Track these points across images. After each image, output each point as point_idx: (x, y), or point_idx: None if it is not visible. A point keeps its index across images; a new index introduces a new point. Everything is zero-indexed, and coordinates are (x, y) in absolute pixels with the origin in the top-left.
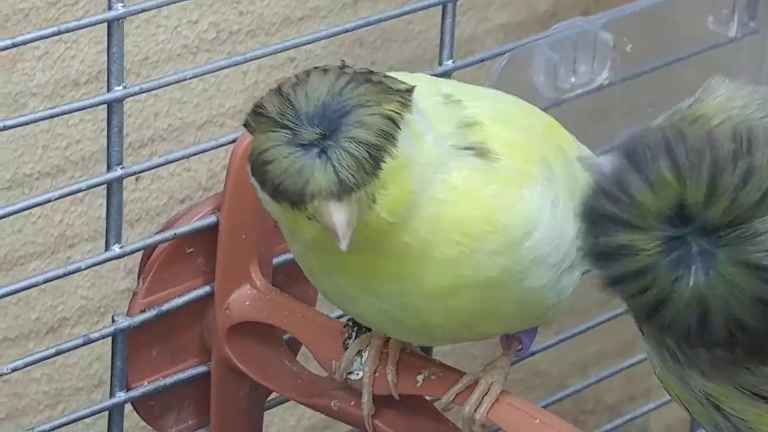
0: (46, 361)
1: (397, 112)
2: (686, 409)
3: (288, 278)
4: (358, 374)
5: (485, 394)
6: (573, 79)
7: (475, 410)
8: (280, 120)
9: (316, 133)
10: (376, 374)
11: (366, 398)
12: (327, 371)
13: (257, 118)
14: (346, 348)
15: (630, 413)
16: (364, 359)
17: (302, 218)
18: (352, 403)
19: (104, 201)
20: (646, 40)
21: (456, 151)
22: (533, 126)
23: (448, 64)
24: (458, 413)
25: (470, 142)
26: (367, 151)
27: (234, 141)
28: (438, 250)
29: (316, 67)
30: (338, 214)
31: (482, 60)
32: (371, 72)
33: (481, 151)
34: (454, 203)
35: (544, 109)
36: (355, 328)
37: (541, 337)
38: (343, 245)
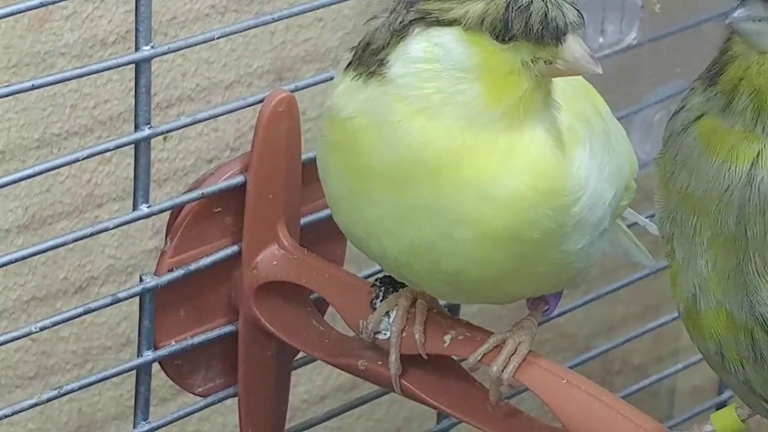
0: (74, 320)
1: None
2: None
3: (316, 238)
4: (385, 334)
5: (512, 354)
6: (601, 39)
7: (503, 370)
8: None
9: None
10: (404, 334)
11: (393, 358)
12: (354, 331)
13: None
14: (374, 308)
15: (657, 374)
16: (391, 319)
17: (521, 73)
18: (380, 362)
19: (132, 161)
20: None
21: None
22: (574, 84)
23: None
24: (486, 373)
25: None
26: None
27: (261, 101)
28: (503, 185)
29: None
30: (584, 45)
31: None
32: None
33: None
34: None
35: None
36: (383, 288)
37: (568, 298)
38: (600, 69)
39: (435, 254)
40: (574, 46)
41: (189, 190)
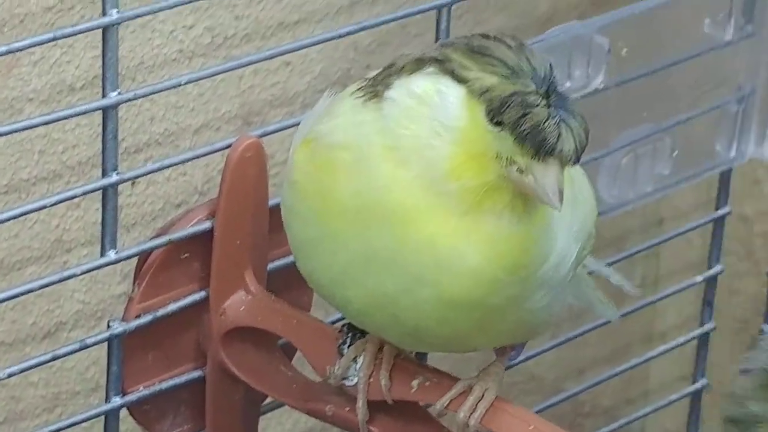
0: (43, 365)
1: None
2: None
3: (283, 284)
4: (353, 380)
5: (479, 400)
6: (568, 84)
7: (470, 416)
8: (519, 69)
9: (552, 98)
10: (371, 380)
11: (361, 403)
12: (322, 377)
13: (482, 58)
14: (341, 353)
15: (626, 417)
16: (359, 365)
17: (493, 163)
18: (347, 408)
19: (100, 206)
20: (642, 43)
21: None
22: None
23: None
24: (453, 419)
25: None
26: (586, 143)
27: (229, 146)
28: (462, 256)
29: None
30: (561, 179)
31: None
32: None
33: None
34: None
35: None
36: (350, 334)
37: (537, 341)
38: (559, 205)
39: (396, 309)
40: (550, 172)
41: (156, 236)
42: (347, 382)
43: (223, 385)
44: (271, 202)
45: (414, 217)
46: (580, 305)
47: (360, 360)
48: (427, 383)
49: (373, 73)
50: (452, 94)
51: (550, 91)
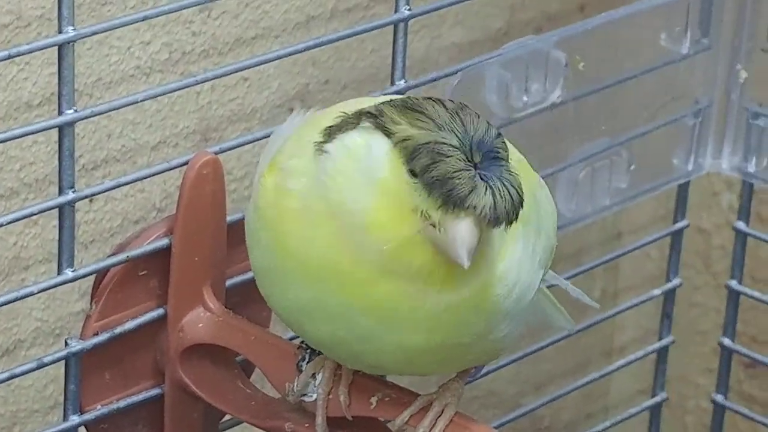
0: (1, 384)
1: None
2: None
3: (241, 300)
4: (311, 396)
5: (439, 415)
6: (525, 98)
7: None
8: (447, 126)
9: (479, 156)
10: (330, 396)
11: (320, 420)
12: (281, 393)
13: (413, 114)
14: (300, 370)
15: (587, 431)
16: (317, 381)
17: (411, 217)
18: (306, 425)
19: (57, 223)
20: (599, 57)
21: None
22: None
23: (401, 83)
24: None
25: None
26: (513, 206)
27: (186, 163)
28: (417, 308)
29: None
30: (473, 236)
31: (434, 80)
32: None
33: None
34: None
35: (498, 128)
36: (309, 350)
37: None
38: (466, 263)
39: (354, 350)
40: (461, 227)
41: (114, 253)
42: (306, 399)
43: (182, 403)
44: (230, 218)
45: (352, 277)
46: (540, 320)
47: (319, 376)
48: (387, 399)
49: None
50: (378, 147)
51: (479, 151)
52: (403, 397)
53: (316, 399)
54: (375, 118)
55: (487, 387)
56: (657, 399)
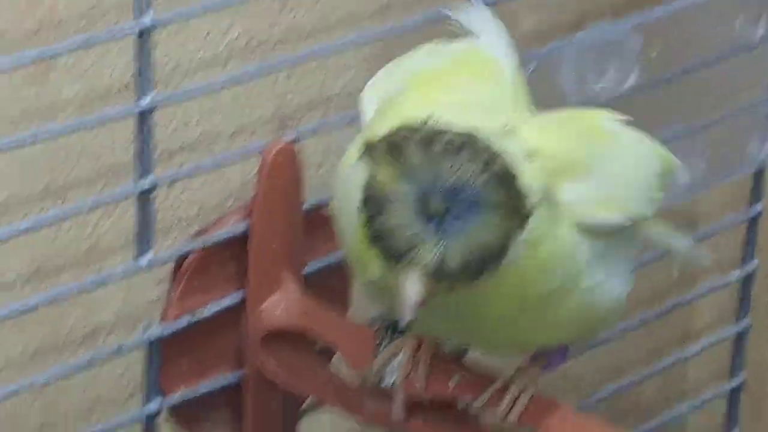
0: (81, 371)
1: (515, 232)
2: None
3: (319, 287)
4: (390, 379)
5: (517, 397)
6: (600, 85)
7: (507, 414)
8: (413, 172)
9: (443, 207)
10: (408, 379)
11: (398, 403)
12: (360, 377)
13: (392, 153)
14: (379, 353)
15: (665, 415)
16: (395, 364)
17: (375, 258)
18: (386, 408)
19: (135, 210)
20: (673, 44)
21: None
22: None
23: None
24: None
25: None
26: (477, 262)
27: (263, 150)
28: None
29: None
30: (416, 291)
31: None
32: (500, 157)
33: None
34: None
35: None
36: (388, 332)
37: None
38: (405, 319)
39: (459, 334)
40: (407, 281)
41: (192, 239)
42: (384, 382)
43: (262, 388)
44: (306, 205)
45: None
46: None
47: (397, 359)
48: (465, 381)
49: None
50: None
51: (448, 199)
52: (481, 380)
53: (394, 382)
54: (368, 150)
55: (563, 372)
56: (735, 382)
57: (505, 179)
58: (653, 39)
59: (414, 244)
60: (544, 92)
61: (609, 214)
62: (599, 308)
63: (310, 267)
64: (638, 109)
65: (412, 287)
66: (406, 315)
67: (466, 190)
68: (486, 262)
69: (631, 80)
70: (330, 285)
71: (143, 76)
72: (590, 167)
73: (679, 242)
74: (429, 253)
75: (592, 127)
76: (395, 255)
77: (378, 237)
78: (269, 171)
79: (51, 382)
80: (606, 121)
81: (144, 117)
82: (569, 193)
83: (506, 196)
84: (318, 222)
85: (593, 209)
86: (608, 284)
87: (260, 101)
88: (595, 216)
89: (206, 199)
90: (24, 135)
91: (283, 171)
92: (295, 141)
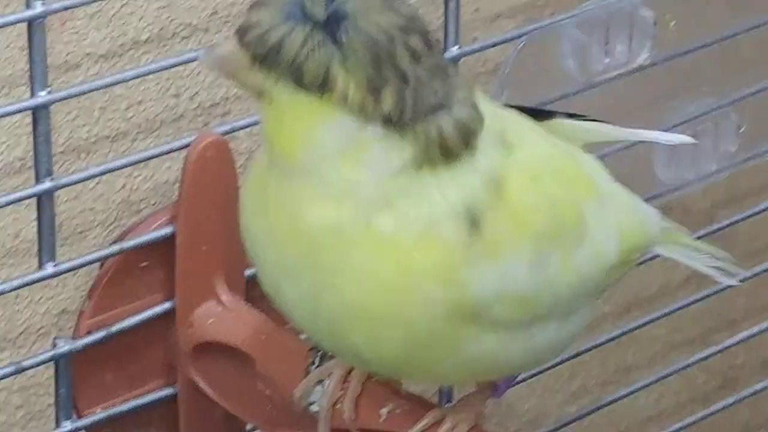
0: None
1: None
2: None
3: None
4: (317, 406)
5: None
6: (607, 60)
7: None
8: None
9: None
10: (337, 406)
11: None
12: (288, 400)
13: None
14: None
15: None
16: (324, 390)
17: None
18: None
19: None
20: (693, 13)
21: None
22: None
23: (453, 50)
24: None
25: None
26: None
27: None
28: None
29: None
30: (228, 46)
31: (495, 44)
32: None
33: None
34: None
35: (575, 94)
36: (320, 353)
37: None
38: (201, 58)
39: (317, 317)
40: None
41: (112, 243)
42: (312, 408)
43: (198, 404)
44: None
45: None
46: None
47: (325, 384)
48: (398, 410)
49: None
50: None
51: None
52: (415, 410)
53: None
54: None
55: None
56: None
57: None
58: (668, 10)
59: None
60: (536, 74)
61: (506, 314)
62: (493, 362)
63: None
64: (656, 85)
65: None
66: (203, 58)
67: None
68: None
69: (645, 54)
70: None
71: (37, 70)
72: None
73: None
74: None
75: (571, 207)
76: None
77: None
78: (194, 168)
79: None
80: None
81: (40, 113)
82: (486, 274)
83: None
84: None
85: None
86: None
87: (189, 90)
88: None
89: (129, 198)
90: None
91: (211, 167)
92: (225, 135)
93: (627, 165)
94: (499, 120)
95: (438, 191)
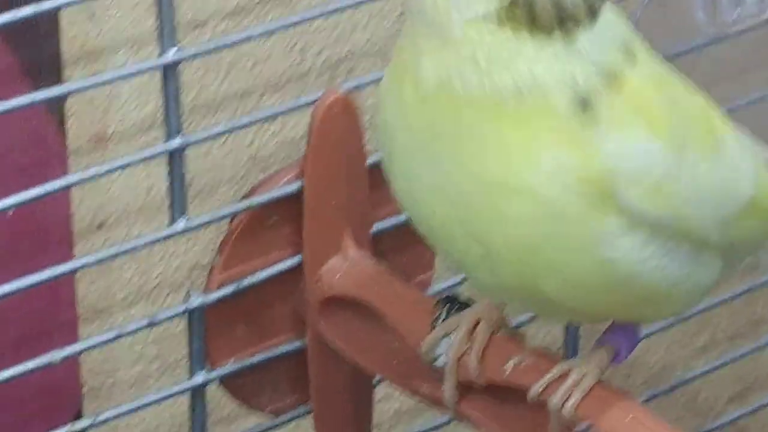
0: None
1: None
2: None
3: (397, 245)
4: (444, 360)
5: (576, 385)
6: (738, 9)
7: (563, 403)
8: None
9: None
10: (463, 359)
11: (448, 386)
12: (417, 352)
13: None
14: (434, 329)
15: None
16: (450, 343)
17: None
18: (438, 390)
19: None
20: None
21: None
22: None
23: None
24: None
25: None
26: None
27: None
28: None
29: None
30: None
31: None
32: None
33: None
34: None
35: (704, 46)
36: (446, 307)
37: None
38: None
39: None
40: None
41: (242, 199)
42: (438, 362)
43: (326, 357)
44: (372, 159)
45: None
46: None
47: (451, 338)
48: (523, 364)
49: None
50: None
51: None
52: (541, 363)
53: (446, 363)
54: None
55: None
56: None
57: None
58: None
59: None
60: (670, 24)
61: (647, 203)
62: (632, 283)
63: (384, 224)
64: None
65: None
66: None
67: None
68: None
69: None
70: (409, 243)
71: (166, 29)
72: (669, 131)
73: None
74: None
75: (702, 119)
76: None
77: None
78: (321, 125)
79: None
80: (722, 124)
81: (169, 71)
82: (622, 145)
83: None
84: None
85: (632, 185)
86: (656, 265)
87: (314, 46)
88: (629, 194)
89: (257, 155)
90: None
91: (337, 124)
92: (351, 91)
93: (757, 117)
94: (630, 36)
95: (552, 61)
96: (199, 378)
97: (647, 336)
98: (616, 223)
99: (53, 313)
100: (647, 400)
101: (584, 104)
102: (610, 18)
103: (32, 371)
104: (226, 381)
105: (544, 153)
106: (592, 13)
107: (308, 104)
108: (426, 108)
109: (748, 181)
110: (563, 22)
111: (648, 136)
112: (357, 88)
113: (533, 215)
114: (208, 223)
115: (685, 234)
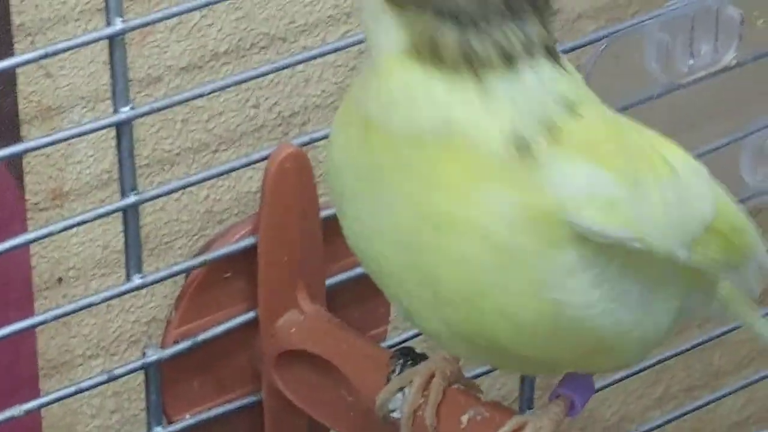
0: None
1: None
2: None
3: (352, 299)
4: (399, 412)
5: None
6: (691, 61)
7: None
8: None
9: None
10: (418, 413)
11: None
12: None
13: None
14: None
15: None
16: (405, 397)
17: None
18: None
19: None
20: None
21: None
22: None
23: None
24: None
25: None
26: None
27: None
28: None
29: None
30: None
31: (574, 48)
32: None
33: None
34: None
35: (659, 96)
36: (401, 360)
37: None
38: None
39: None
40: None
41: (196, 255)
42: (394, 415)
43: (282, 411)
44: (325, 212)
45: None
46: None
47: (406, 391)
48: (479, 418)
49: None
50: None
51: None
52: (496, 416)
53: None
54: None
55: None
56: None
57: None
58: (757, 8)
59: None
60: (618, 76)
61: (604, 221)
62: (581, 327)
63: (337, 278)
64: (744, 85)
65: None
66: None
67: None
68: None
69: (732, 54)
70: (362, 297)
71: (119, 87)
72: (618, 166)
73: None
74: None
75: (654, 152)
76: None
77: None
78: (274, 180)
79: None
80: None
81: (123, 129)
82: (568, 174)
83: None
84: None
85: (585, 206)
86: (604, 309)
87: (268, 100)
88: (582, 215)
89: (213, 209)
90: None
91: (290, 179)
92: (304, 145)
93: (712, 167)
94: (575, 90)
95: (467, 104)
96: None
97: (603, 388)
98: (565, 259)
99: (14, 369)
100: None
101: (520, 148)
102: (548, 73)
103: None
104: None
105: (485, 190)
106: (509, 61)
107: (262, 159)
108: (369, 147)
109: (707, 202)
110: (471, 64)
111: (594, 165)
112: (310, 142)
113: (479, 252)
114: (163, 279)
115: (648, 256)
